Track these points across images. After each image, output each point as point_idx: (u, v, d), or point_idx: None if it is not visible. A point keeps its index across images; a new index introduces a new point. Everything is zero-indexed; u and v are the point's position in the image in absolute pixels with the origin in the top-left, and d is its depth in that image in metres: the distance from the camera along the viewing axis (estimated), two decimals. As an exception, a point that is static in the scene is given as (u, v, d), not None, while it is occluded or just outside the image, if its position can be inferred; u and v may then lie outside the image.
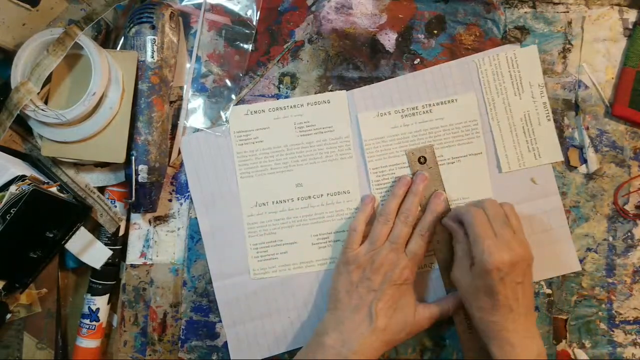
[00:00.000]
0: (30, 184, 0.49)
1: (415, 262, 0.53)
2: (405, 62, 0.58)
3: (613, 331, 0.57)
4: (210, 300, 0.58)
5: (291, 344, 0.57)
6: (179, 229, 0.58)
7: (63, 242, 0.53)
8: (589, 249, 0.57)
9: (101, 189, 0.57)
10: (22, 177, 0.50)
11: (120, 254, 0.59)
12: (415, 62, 0.58)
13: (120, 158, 0.53)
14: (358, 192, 0.57)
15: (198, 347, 0.58)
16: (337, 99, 0.58)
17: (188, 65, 0.58)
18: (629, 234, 0.57)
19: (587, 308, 0.57)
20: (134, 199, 0.54)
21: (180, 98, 0.58)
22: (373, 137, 0.57)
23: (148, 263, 0.58)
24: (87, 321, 0.57)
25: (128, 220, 0.59)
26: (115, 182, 0.57)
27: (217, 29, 0.59)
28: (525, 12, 0.58)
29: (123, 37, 0.57)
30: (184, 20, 0.58)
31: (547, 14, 0.58)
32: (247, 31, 0.58)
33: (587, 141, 0.57)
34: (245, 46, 0.58)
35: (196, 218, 0.58)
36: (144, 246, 0.58)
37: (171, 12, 0.55)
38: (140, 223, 0.58)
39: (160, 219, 0.58)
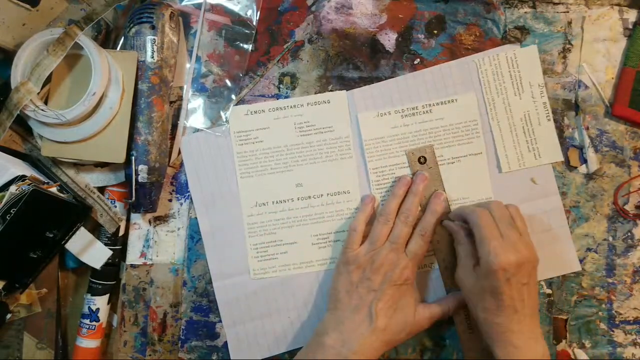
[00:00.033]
0: (30, 184, 0.49)
1: (415, 262, 0.53)
2: (405, 62, 0.58)
3: (613, 331, 0.57)
4: (210, 300, 0.58)
5: (291, 344, 0.57)
6: (179, 229, 0.58)
7: (63, 242, 0.53)
8: (589, 249, 0.57)
9: (101, 189, 0.57)
10: (22, 177, 0.50)
11: (120, 254, 0.59)
12: (415, 62, 0.58)
13: (120, 158, 0.53)
14: (358, 192, 0.57)
15: (198, 347, 0.58)
16: (337, 99, 0.58)
17: (188, 65, 0.58)
18: (629, 234, 0.57)
19: (587, 308, 0.57)
20: (134, 199, 0.54)
21: (180, 98, 0.58)
22: (373, 137, 0.57)
23: (148, 263, 0.58)
24: (87, 321, 0.57)
25: (128, 220, 0.59)
26: (115, 182, 0.57)
27: (217, 29, 0.59)
28: (525, 12, 0.58)
29: (123, 37, 0.57)
30: (184, 20, 0.58)
31: (547, 14, 0.58)
32: (247, 31, 0.58)
33: (587, 141, 0.57)
34: (245, 46, 0.58)
35: (196, 218, 0.58)
36: (144, 246, 0.58)
37: (171, 12, 0.55)
38: (140, 223, 0.58)
39: (160, 219, 0.58)
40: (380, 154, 0.57)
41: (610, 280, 0.57)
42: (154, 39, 0.54)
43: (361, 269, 0.53)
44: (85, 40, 0.51)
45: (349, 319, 0.51)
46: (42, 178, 0.53)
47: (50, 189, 0.51)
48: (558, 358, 0.56)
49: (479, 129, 0.57)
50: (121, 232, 0.58)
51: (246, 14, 0.58)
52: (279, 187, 0.57)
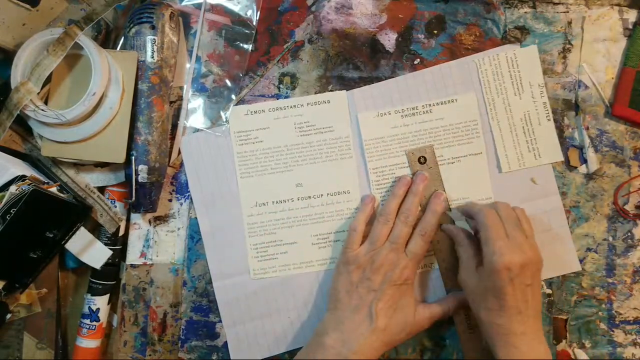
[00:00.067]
0: (30, 184, 0.49)
1: (415, 262, 0.53)
2: (405, 62, 0.58)
3: (613, 331, 0.57)
4: (210, 300, 0.58)
5: (291, 344, 0.57)
6: (179, 229, 0.58)
7: (63, 242, 0.53)
8: (589, 249, 0.57)
9: (101, 189, 0.57)
10: (22, 177, 0.50)
11: (120, 254, 0.59)
12: (415, 62, 0.58)
13: (120, 158, 0.53)
14: (358, 192, 0.57)
15: (198, 347, 0.58)
16: (337, 99, 0.58)
17: (188, 65, 0.58)
18: (629, 234, 0.57)
19: (587, 308, 0.57)
20: (134, 199, 0.54)
21: (180, 98, 0.58)
22: (373, 137, 0.57)
23: (148, 263, 0.58)
24: (87, 321, 0.57)
25: (128, 220, 0.59)
26: (115, 182, 0.57)
27: (217, 29, 0.59)
28: (525, 12, 0.58)
29: (123, 37, 0.57)
30: (184, 20, 0.58)
31: (547, 14, 0.58)
32: (247, 31, 0.58)
33: (587, 141, 0.57)
34: (245, 46, 0.58)
35: (196, 218, 0.58)
36: (144, 246, 0.58)
37: (171, 12, 0.55)
38: (140, 223, 0.58)
39: (160, 219, 0.58)
40: (380, 154, 0.57)
41: (610, 280, 0.57)
42: (154, 39, 0.54)
43: (361, 269, 0.53)
44: (85, 40, 0.51)
45: (349, 319, 0.51)
46: (42, 178, 0.53)
47: (50, 189, 0.51)
48: (558, 358, 0.56)
49: (479, 129, 0.57)
50: (121, 232, 0.58)
51: (246, 14, 0.58)
52: (279, 187, 0.57)
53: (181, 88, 0.58)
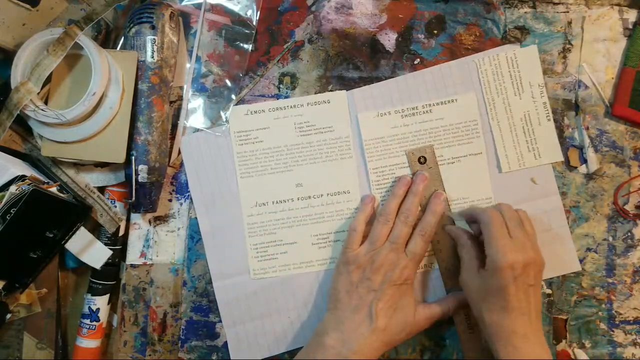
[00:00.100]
0: (30, 184, 0.49)
1: (415, 262, 0.53)
2: (405, 62, 0.58)
3: (613, 331, 0.57)
4: (210, 300, 0.58)
5: (291, 344, 0.57)
6: (179, 229, 0.58)
7: (63, 242, 0.53)
8: (589, 249, 0.57)
9: (101, 189, 0.57)
10: (22, 177, 0.50)
11: (120, 254, 0.59)
12: (415, 62, 0.58)
13: (120, 158, 0.53)
14: (358, 192, 0.57)
15: (198, 347, 0.58)
16: (337, 99, 0.58)
17: (188, 65, 0.58)
18: (629, 234, 0.57)
19: (587, 308, 0.57)
20: (134, 199, 0.54)
21: (180, 98, 0.58)
22: (373, 137, 0.57)
23: (148, 263, 0.58)
24: (87, 321, 0.57)
25: (128, 220, 0.59)
26: (115, 182, 0.57)
27: (217, 29, 0.59)
28: (525, 12, 0.58)
29: (123, 37, 0.57)
30: (184, 20, 0.58)
31: (547, 14, 0.58)
32: (247, 31, 0.58)
33: (587, 141, 0.57)
34: (245, 46, 0.58)
35: (196, 218, 0.58)
36: (144, 246, 0.58)
37: (171, 12, 0.55)
38: (140, 223, 0.58)
39: (160, 219, 0.58)
40: (380, 154, 0.57)
41: (610, 280, 0.57)
42: (154, 39, 0.54)
43: (361, 269, 0.53)
44: (85, 40, 0.51)
45: (349, 319, 0.51)
46: (42, 178, 0.53)
47: (50, 189, 0.51)
48: (558, 358, 0.56)
49: (479, 129, 0.57)
50: (121, 232, 0.58)
51: (246, 14, 0.58)
52: (279, 187, 0.57)
53: (181, 88, 0.58)
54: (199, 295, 0.58)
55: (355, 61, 0.58)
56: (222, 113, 0.58)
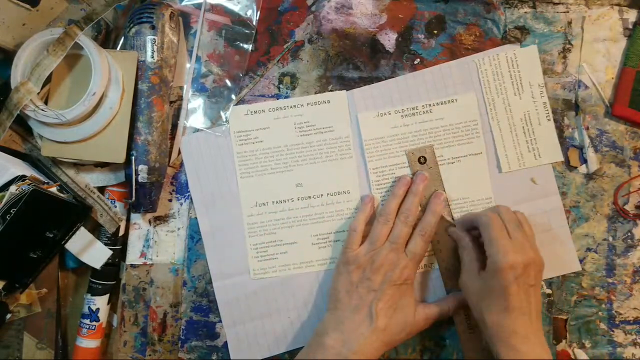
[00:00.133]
0: (30, 184, 0.49)
1: (415, 262, 0.53)
2: (405, 62, 0.58)
3: (613, 331, 0.57)
4: (210, 300, 0.58)
5: (291, 344, 0.57)
6: (179, 229, 0.58)
7: (63, 242, 0.53)
8: (589, 249, 0.57)
9: (101, 189, 0.57)
10: (22, 177, 0.50)
11: (120, 254, 0.59)
12: (415, 62, 0.58)
13: (120, 158, 0.53)
14: (358, 192, 0.57)
15: (198, 347, 0.58)
16: (337, 99, 0.58)
17: (188, 65, 0.58)
18: (629, 234, 0.57)
19: (587, 308, 0.57)
20: (134, 199, 0.54)
21: (180, 98, 0.58)
22: (373, 137, 0.57)
23: (148, 263, 0.58)
24: (87, 321, 0.57)
25: (128, 220, 0.59)
26: (115, 182, 0.57)
27: (217, 29, 0.59)
28: (525, 12, 0.58)
29: (123, 37, 0.57)
30: (184, 20, 0.58)
31: (547, 14, 0.58)
32: (247, 31, 0.58)
33: (587, 141, 0.57)
34: (245, 46, 0.58)
35: (196, 218, 0.58)
36: (144, 246, 0.58)
37: (171, 12, 0.55)
38: (140, 223, 0.58)
39: (160, 219, 0.58)
40: (380, 154, 0.57)
41: (610, 280, 0.57)
42: (154, 39, 0.54)
43: (361, 269, 0.53)
44: (85, 40, 0.51)
45: (349, 319, 0.51)
46: (42, 178, 0.53)
47: (50, 189, 0.51)
48: (558, 358, 0.56)
49: (479, 129, 0.57)
50: (121, 232, 0.58)
51: (246, 14, 0.58)
52: (279, 187, 0.57)
53: (181, 88, 0.58)
54: (199, 295, 0.58)
55: (355, 61, 0.58)
56: (222, 113, 0.58)
